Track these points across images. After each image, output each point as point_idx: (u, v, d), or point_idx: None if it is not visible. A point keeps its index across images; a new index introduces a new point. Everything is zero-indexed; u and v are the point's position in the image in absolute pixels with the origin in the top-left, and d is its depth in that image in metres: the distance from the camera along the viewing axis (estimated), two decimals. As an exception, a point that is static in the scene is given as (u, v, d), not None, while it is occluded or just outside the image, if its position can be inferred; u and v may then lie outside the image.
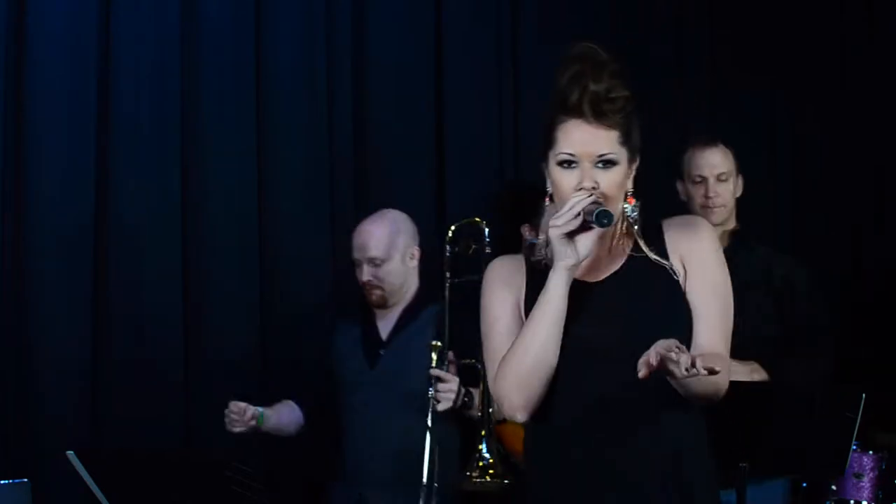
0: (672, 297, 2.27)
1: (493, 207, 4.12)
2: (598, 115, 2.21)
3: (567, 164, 2.23)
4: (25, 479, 3.08)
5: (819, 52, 5.21)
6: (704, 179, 3.70)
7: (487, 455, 3.24)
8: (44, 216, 3.73)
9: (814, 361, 3.63)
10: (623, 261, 2.31)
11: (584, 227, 2.19)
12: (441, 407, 3.33)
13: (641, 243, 2.30)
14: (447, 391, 3.35)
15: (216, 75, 4.04)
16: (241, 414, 3.47)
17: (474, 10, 4.60)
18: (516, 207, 3.90)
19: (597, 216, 2.16)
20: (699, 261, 2.29)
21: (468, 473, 3.25)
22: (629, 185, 2.29)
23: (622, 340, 2.21)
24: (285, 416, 3.65)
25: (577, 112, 2.21)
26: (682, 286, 2.27)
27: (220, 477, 2.62)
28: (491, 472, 3.25)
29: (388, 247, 3.57)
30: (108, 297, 3.81)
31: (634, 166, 2.30)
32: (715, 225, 3.66)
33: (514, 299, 2.33)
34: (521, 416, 2.27)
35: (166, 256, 3.89)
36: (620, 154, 2.24)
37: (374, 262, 3.56)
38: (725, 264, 2.33)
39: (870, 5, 5.32)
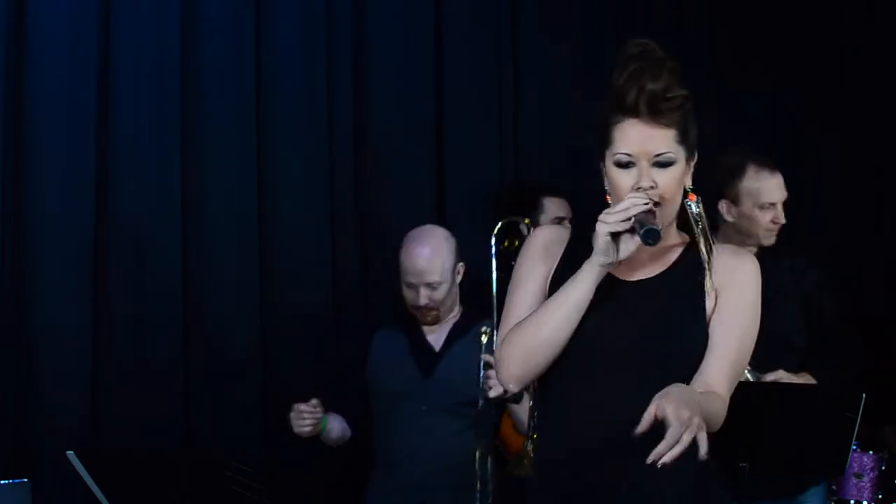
0: (695, 321, 2.24)
1: (493, 207, 4.12)
2: (656, 113, 2.20)
3: (625, 164, 2.22)
4: (25, 479, 3.07)
5: (819, 52, 5.21)
6: (775, 205, 3.66)
7: (530, 446, 3.24)
8: (44, 216, 3.73)
9: (847, 369, 3.63)
10: (663, 268, 2.30)
11: (632, 230, 2.18)
12: (492, 394, 3.30)
13: (702, 245, 2.26)
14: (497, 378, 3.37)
15: (216, 75, 4.03)
16: (313, 411, 3.42)
17: (474, 9, 4.60)
18: (516, 207, 3.90)
19: (645, 232, 2.15)
20: (736, 298, 2.26)
21: (510, 465, 3.29)
22: (688, 182, 2.27)
23: (632, 346, 2.20)
24: (339, 424, 3.61)
25: (633, 111, 2.21)
26: (708, 314, 2.25)
27: (220, 477, 2.62)
28: (526, 461, 3.26)
29: (444, 269, 3.55)
30: (108, 297, 3.81)
31: (692, 163, 2.28)
32: (766, 246, 3.65)
33: (546, 269, 2.33)
34: (513, 387, 2.31)
35: (166, 256, 3.89)
36: (678, 153, 2.22)
37: (432, 287, 3.55)
38: (759, 311, 2.29)
39: (870, 5, 5.32)
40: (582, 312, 2.21)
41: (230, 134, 4.05)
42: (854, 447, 3.59)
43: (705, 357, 2.24)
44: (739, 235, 3.62)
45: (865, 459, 3.92)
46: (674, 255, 2.31)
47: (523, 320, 2.27)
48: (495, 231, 3.50)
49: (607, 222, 2.17)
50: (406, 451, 3.53)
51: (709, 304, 2.26)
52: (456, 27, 4.54)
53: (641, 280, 2.29)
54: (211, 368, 3.94)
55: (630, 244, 2.18)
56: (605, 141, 2.25)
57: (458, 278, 3.64)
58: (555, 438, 2.32)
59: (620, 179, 2.23)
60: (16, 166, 3.70)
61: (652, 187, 2.19)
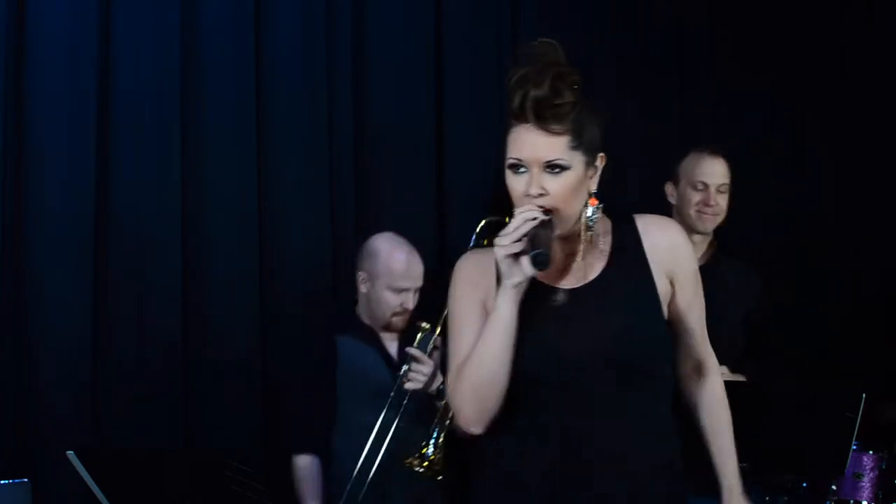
0: (650, 309, 2.26)
1: (493, 207, 4.12)
2: (543, 120, 2.17)
3: (516, 168, 2.21)
4: (25, 479, 3.07)
5: (819, 52, 5.21)
6: (707, 187, 3.72)
7: (432, 448, 3.25)
8: (44, 216, 3.73)
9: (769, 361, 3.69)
10: (602, 266, 2.28)
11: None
12: (409, 386, 3.41)
13: (580, 249, 2.26)
14: (419, 372, 3.41)
15: (216, 75, 4.03)
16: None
17: (474, 9, 4.60)
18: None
19: (533, 257, 2.14)
20: (687, 277, 2.31)
21: (408, 459, 3.29)
22: (592, 187, 2.26)
23: (598, 351, 2.19)
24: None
25: (522, 118, 2.19)
26: (662, 298, 2.27)
27: (220, 477, 2.62)
28: (426, 464, 3.27)
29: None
30: (108, 297, 3.81)
31: (596, 167, 2.26)
32: (702, 233, 3.71)
33: (480, 299, 2.29)
34: (475, 429, 2.25)
35: (166, 256, 3.89)
36: (572, 159, 2.20)
37: (417, 290, 3.63)
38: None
39: (870, 5, 5.32)
40: (513, 337, 2.18)
41: (230, 134, 4.05)
42: (854, 447, 3.59)
43: (685, 339, 2.33)
44: (679, 217, 3.69)
45: (865, 459, 3.92)
46: (606, 247, 2.30)
47: (463, 363, 2.24)
48: (477, 230, 3.51)
49: (502, 245, 2.16)
50: (364, 458, 3.51)
51: (655, 275, 2.27)
52: (456, 27, 4.54)
53: (586, 284, 2.27)
54: (211, 368, 3.94)
55: None
56: (503, 146, 2.24)
57: None
58: (536, 453, 2.26)
59: (513, 184, 2.22)
60: (16, 166, 3.70)
61: (542, 194, 2.18)
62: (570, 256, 2.28)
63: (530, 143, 2.18)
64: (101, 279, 3.80)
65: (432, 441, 3.27)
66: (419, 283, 3.63)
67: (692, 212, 3.73)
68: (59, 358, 3.70)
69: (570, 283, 2.28)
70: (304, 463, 3.59)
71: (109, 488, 2.67)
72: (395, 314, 3.62)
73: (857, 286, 5.19)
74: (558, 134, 2.18)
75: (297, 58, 4.20)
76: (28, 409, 3.67)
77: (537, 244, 2.15)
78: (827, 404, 3.24)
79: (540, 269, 2.16)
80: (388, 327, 3.66)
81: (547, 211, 2.19)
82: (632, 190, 4.83)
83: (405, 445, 3.42)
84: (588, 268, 2.28)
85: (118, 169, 3.85)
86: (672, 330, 2.32)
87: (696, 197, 3.73)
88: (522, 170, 2.20)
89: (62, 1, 3.78)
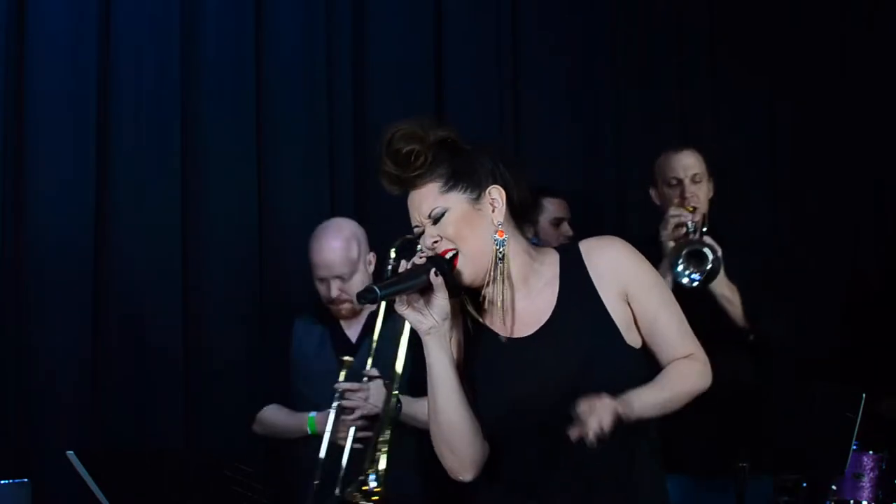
0: (608, 340, 2.20)
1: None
2: (410, 182, 2.20)
3: (416, 232, 2.23)
4: (25, 479, 3.08)
5: (819, 52, 5.21)
6: (680, 182, 3.72)
7: (374, 481, 3.15)
8: (44, 216, 3.73)
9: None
10: (553, 306, 2.23)
11: (424, 289, 2.14)
12: (359, 413, 3.28)
13: (498, 286, 2.19)
14: (357, 398, 3.30)
15: (216, 75, 4.04)
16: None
17: (474, 9, 4.60)
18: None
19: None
20: (641, 288, 2.23)
21: (349, 489, 3.18)
22: (496, 219, 2.20)
23: (562, 397, 2.12)
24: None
25: (400, 189, 2.23)
26: (623, 323, 2.21)
27: (220, 477, 2.62)
28: (374, 498, 3.18)
29: (353, 261, 3.52)
30: (108, 297, 3.81)
31: (491, 196, 2.21)
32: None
33: (457, 339, 2.25)
34: (463, 477, 2.22)
35: (166, 256, 3.90)
36: (448, 200, 2.19)
37: (342, 279, 3.52)
38: (651, 267, 2.27)
39: (870, 5, 5.32)
40: (455, 384, 2.17)
41: (230, 134, 4.05)
42: (854, 447, 3.59)
43: (660, 346, 2.23)
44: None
45: (865, 459, 3.92)
46: (554, 282, 2.25)
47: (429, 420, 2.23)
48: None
49: (399, 310, 2.16)
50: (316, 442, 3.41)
51: (607, 302, 2.21)
52: (456, 27, 4.54)
53: (538, 330, 2.22)
54: (211, 368, 3.94)
55: (440, 299, 2.15)
56: None
57: (370, 268, 3.60)
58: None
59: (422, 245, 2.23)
60: (16, 166, 3.70)
61: (436, 242, 2.18)
62: (518, 297, 2.24)
63: (412, 206, 2.22)
64: (101, 279, 3.80)
65: (372, 477, 3.16)
66: (335, 272, 3.49)
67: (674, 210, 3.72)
68: (59, 358, 3.70)
69: (522, 329, 2.23)
70: (268, 410, 3.55)
71: (109, 488, 2.67)
72: (328, 302, 3.57)
73: (857, 282, 5.19)
74: (424, 184, 2.20)
75: (297, 57, 4.21)
76: (28, 409, 3.68)
77: (415, 276, 2.13)
78: (827, 404, 3.23)
79: (361, 303, 2.14)
80: (337, 315, 3.60)
81: (436, 256, 2.17)
82: (632, 190, 4.84)
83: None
84: (538, 310, 2.24)
85: (118, 169, 3.86)
86: (650, 344, 2.24)
87: (673, 193, 3.73)
88: (419, 229, 2.22)
89: (62, 1, 3.79)
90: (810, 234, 5.08)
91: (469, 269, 2.18)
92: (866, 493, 3.91)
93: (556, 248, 2.31)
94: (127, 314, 3.84)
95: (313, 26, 4.24)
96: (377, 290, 2.09)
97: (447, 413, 2.18)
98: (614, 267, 2.24)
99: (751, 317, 3.54)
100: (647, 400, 2.13)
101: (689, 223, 3.59)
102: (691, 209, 3.64)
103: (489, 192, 2.20)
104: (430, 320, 2.15)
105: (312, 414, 3.41)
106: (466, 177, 2.20)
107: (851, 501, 3.93)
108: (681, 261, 3.50)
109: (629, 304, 2.23)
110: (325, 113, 4.24)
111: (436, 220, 2.19)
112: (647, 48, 4.99)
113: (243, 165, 4.07)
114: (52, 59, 3.76)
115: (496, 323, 2.22)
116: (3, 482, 3.02)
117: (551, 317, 2.23)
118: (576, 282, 2.24)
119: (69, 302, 3.74)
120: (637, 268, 2.26)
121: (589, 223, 4.31)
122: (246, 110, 4.08)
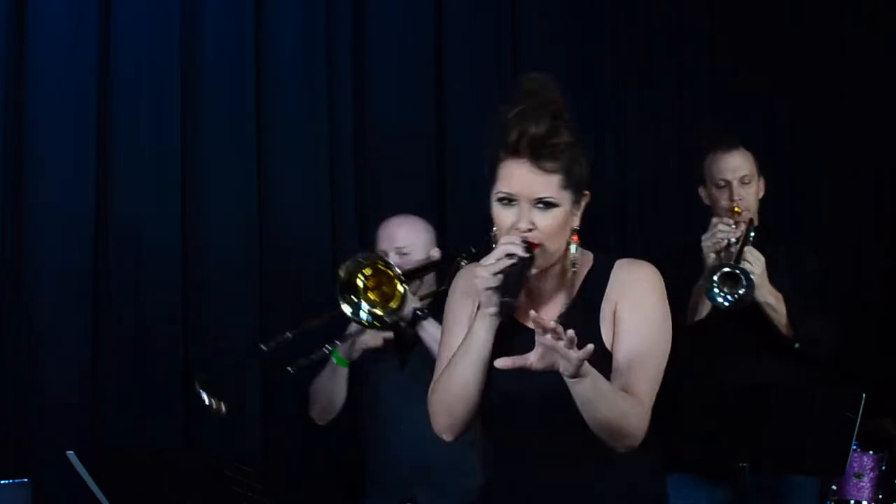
0: (601, 355, 2.20)
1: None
2: (538, 157, 2.17)
3: (506, 201, 2.21)
4: (25, 479, 3.07)
5: (819, 52, 5.22)
6: (728, 183, 3.68)
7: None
8: (44, 216, 3.73)
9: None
10: (562, 308, 2.29)
11: (500, 288, 2.17)
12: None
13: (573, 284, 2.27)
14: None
15: (216, 75, 4.04)
16: None
17: (474, 9, 4.60)
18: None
19: (499, 304, 2.16)
20: (627, 304, 2.24)
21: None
22: (575, 223, 2.26)
23: (553, 392, 2.15)
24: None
25: (517, 153, 2.18)
26: (607, 339, 2.24)
27: (220, 477, 2.62)
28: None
29: (414, 239, 3.52)
30: (108, 296, 3.81)
31: (581, 205, 2.26)
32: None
33: (473, 311, 2.30)
34: (446, 437, 2.30)
35: (166, 256, 3.89)
36: (562, 197, 2.20)
37: (401, 252, 3.49)
38: (664, 307, 2.28)
39: (870, 5, 5.32)
40: (485, 365, 2.21)
41: (230, 134, 4.05)
42: (854, 447, 3.59)
43: (619, 368, 2.22)
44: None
45: (865, 459, 3.92)
46: (577, 282, 2.30)
47: (441, 374, 2.28)
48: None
49: (482, 277, 2.18)
50: (386, 438, 3.45)
51: (605, 331, 2.24)
52: (456, 26, 4.54)
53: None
54: (211, 368, 3.94)
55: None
56: (492, 177, 2.24)
57: (432, 258, 3.57)
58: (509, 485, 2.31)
59: (501, 216, 2.22)
60: (16, 166, 3.70)
61: (530, 229, 2.19)
62: (542, 292, 2.30)
63: (523, 179, 2.18)
64: (101, 279, 3.80)
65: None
66: (396, 243, 3.48)
67: (722, 211, 3.68)
68: (59, 358, 3.70)
69: (527, 320, 2.24)
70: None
71: (109, 488, 2.67)
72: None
73: (859, 283, 5.19)
74: (551, 172, 2.18)
75: (297, 57, 4.20)
76: (28, 409, 3.67)
77: (508, 286, 2.16)
78: (827, 404, 3.23)
79: (500, 318, 2.19)
80: None
81: (530, 247, 2.19)
82: (632, 190, 4.85)
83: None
84: (546, 309, 2.29)
85: (118, 169, 3.85)
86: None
87: (722, 195, 3.70)
88: (513, 203, 2.21)
89: (62, 1, 3.78)
90: (810, 235, 5.08)
91: (539, 264, 2.22)
92: (866, 493, 3.92)
93: (595, 254, 2.35)
94: (127, 314, 3.84)
95: (313, 26, 4.24)
96: (509, 300, 2.14)
97: (465, 381, 2.23)
98: (627, 280, 2.28)
99: (796, 324, 3.54)
100: (601, 384, 2.11)
101: (732, 238, 3.57)
102: (739, 211, 3.61)
103: (583, 198, 2.25)
104: (494, 308, 2.19)
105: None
106: (580, 181, 2.23)
107: (852, 501, 3.93)
108: (716, 280, 3.49)
109: (614, 315, 2.25)
110: (325, 113, 4.23)
111: (544, 208, 2.19)
112: (647, 48, 4.99)
113: (243, 165, 4.07)
114: (52, 59, 3.76)
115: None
116: (3, 482, 3.01)
117: (561, 315, 2.26)
118: (593, 292, 2.28)
119: (69, 302, 3.73)
120: (644, 289, 2.27)
121: (588, 223, 4.30)
122: (246, 110, 4.08)
